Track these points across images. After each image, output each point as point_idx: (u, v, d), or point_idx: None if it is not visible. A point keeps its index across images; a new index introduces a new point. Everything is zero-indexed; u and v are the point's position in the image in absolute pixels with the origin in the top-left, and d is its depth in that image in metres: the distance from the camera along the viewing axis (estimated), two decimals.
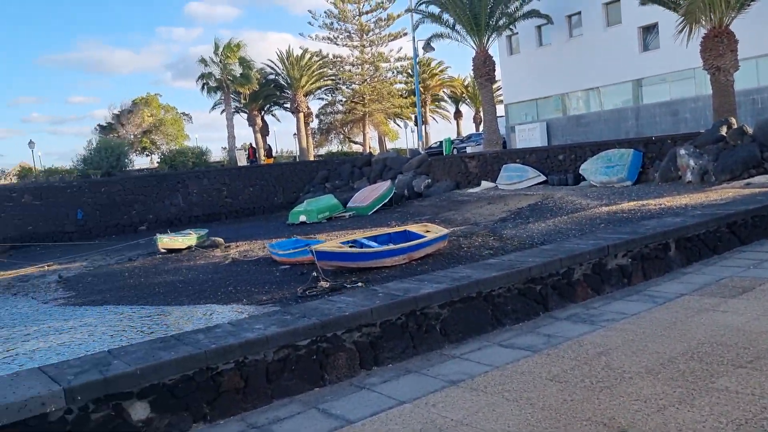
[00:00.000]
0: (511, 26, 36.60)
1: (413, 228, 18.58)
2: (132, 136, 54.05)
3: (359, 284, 15.01)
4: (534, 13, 35.19)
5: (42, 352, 12.46)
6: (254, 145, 50.34)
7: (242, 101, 52.86)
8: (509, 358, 5.95)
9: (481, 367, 5.77)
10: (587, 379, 5.17)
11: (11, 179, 46.61)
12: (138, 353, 5.13)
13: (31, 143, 53.22)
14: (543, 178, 26.95)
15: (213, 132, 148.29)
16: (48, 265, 25.55)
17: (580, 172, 25.36)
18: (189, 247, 24.26)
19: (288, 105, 54.55)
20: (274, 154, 55.16)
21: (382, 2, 51.51)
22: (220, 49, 47.59)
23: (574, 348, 6.04)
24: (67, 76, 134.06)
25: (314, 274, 15.63)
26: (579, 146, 27.49)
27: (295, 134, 54.57)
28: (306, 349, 5.64)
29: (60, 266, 25.21)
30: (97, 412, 4.56)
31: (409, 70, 55.07)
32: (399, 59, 54.62)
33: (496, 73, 36.99)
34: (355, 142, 60.86)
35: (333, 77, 54.81)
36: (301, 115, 52.17)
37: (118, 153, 41.72)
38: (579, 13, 37.33)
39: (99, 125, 57.23)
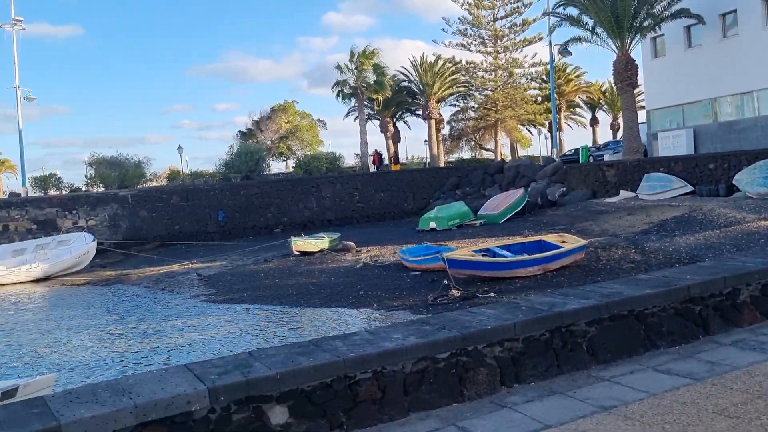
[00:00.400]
0: (656, 27, 34.59)
1: (548, 238, 17.90)
2: (270, 142, 56.33)
3: (492, 294, 14.62)
4: (683, 13, 33.03)
5: (187, 347, 13.08)
6: (380, 152, 50.98)
7: (375, 108, 53.65)
8: (667, 385, 5.40)
9: (636, 393, 5.27)
10: (764, 417, 4.56)
11: (162, 181, 49.96)
12: (278, 357, 5.09)
13: (179, 148, 56.98)
14: (690, 188, 25.20)
15: (346, 138, 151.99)
16: (192, 263, 27.03)
17: (734, 182, 23.45)
18: (321, 250, 24.79)
19: (420, 112, 54.77)
20: (403, 160, 55.65)
21: (518, 7, 50.53)
22: (355, 57, 48.58)
23: (744, 379, 5.39)
24: (214, 84, 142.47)
25: (445, 281, 15.41)
26: (733, 155, 25.46)
27: (425, 141, 54.71)
28: (445, 362, 5.39)
29: (202, 264, 26.59)
30: (239, 414, 4.55)
31: (544, 76, 53.60)
32: (533, 65, 53.35)
33: (638, 77, 35.12)
34: (486, 149, 60.08)
35: (465, 83, 54.40)
36: (433, 121, 52.21)
37: (257, 157, 43.56)
38: (734, 11, 34.60)
39: (240, 131, 60.28)
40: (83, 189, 44.64)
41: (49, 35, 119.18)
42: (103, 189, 41.60)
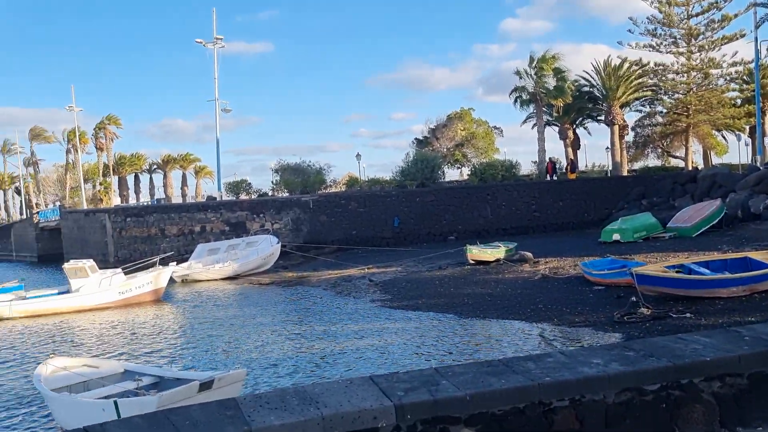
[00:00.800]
0: None
1: (755, 255, 16.00)
2: (445, 149, 56.59)
3: (687, 315, 13.33)
4: None
5: (365, 352, 13.20)
6: (555, 159, 49.18)
7: (554, 114, 51.93)
8: None
9: None
10: None
11: (341, 187, 51.96)
12: (466, 375, 4.76)
13: (358, 156, 59.26)
14: None
15: (521, 145, 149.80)
16: (368, 268, 27.64)
17: None
18: (497, 260, 24.21)
19: (602, 117, 52.18)
20: (582, 168, 53.30)
21: (716, 2, 46.38)
22: (535, 62, 47.36)
23: None
24: (391, 94, 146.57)
25: (633, 299, 14.30)
26: None
27: (607, 148, 51.99)
28: (654, 395, 4.76)
29: (378, 270, 27.08)
30: None
31: (745, 77, 48.74)
32: (733, 64, 48.63)
33: None
34: (675, 156, 55.79)
35: (653, 87, 50.94)
36: (616, 127, 49.43)
37: (433, 165, 43.83)
38: None
39: (416, 139, 61.17)
40: (270, 194, 47.68)
41: (244, 52, 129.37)
42: (287, 194, 44.10)
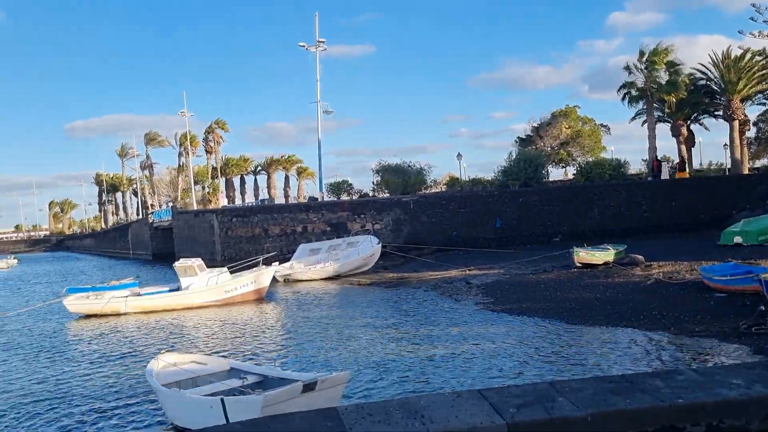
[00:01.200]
0: None
1: None
2: (549, 148, 55.05)
3: None
4: None
5: (470, 357, 12.78)
6: (663, 158, 46.61)
7: (666, 110, 49.34)
8: None
9: None
10: None
11: (441, 188, 51.63)
12: (585, 392, 4.34)
13: (458, 155, 58.51)
14: None
15: (629, 143, 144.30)
16: (468, 270, 27.15)
17: None
18: (606, 263, 23.11)
19: (719, 113, 49.07)
20: (697, 166, 50.32)
21: None
22: (645, 56, 45.12)
23: None
24: (491, 94, 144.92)
25: (762, 307, 13.18)
26: None
27: (726, 145, 48.84)
28: None
29: (479, 271, 26.53)
30: None
31: None
32: None
33: None
34: None
35: None
36: (736, 123, 46.30)
37: (536, 164, 42.69)
38: None
39: (518, 138, 59.85)
40: (370, 194, 48.01)
41: (346, 54, 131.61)
42: (387, 195, 44.22)
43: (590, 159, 50.52)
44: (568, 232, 36.02)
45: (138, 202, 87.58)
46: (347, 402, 9.64)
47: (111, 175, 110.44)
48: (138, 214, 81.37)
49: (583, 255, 23.78)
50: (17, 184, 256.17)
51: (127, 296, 24.05)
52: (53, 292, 30.96)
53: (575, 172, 48.24)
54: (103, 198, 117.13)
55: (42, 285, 42.18)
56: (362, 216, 37.58)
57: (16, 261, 77.16)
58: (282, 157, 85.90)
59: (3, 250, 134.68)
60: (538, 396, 4.29)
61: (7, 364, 16.21)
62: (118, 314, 23.24)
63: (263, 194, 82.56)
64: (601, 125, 58.69)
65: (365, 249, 31.46)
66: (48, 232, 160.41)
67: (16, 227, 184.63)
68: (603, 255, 23.64)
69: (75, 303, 23.89)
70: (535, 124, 57.66)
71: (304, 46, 47.00)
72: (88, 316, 23.43)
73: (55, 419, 11.00)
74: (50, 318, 24.10)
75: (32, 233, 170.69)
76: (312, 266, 30.62)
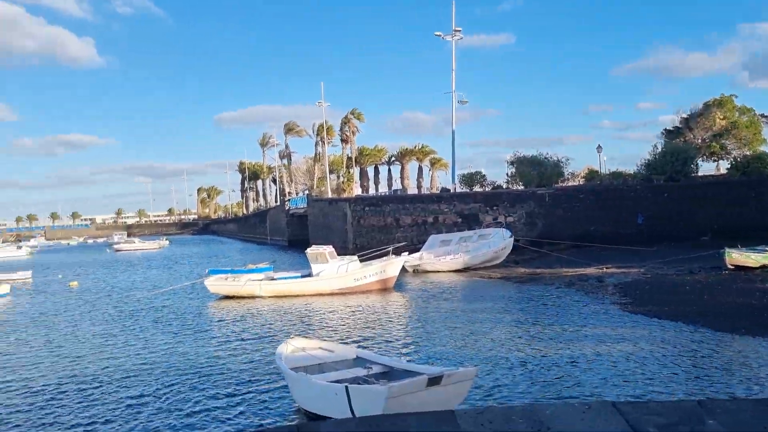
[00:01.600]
0: None
1: None
2: (700, 141, 51.26)
3: None
4: None
5: (603, 362, 12.00)
6: None
7: None
8: None
9: None
10: None
11: (579, 181, 49.59)
12: (741, 415, 3.79)
13: (598, 148, 55.90)
14: None
15: None
16: (606, 268, 25.81)
17: None
18: (764, 267, 21.09)
19: None
20: None
21: None
22: None
23: None
24: (637, 83, 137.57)
25: None
26: None
27: None
28: None
29: (617, 270, 25.19)
30: None
31: None
32: None
33: None
34: None
35: None
36: None
37: (684, 158, 39.86)
38: None
39: (665, 129, 56.14)
40: (504, 186, 46.97)
41: (484, 44, 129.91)
42: (522, 187, 43.06)
43: (748, 152, 46.45)
44: (718, 230, 33.39)
45: (276, 190, 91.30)
46: (468, 401, 9.31)
47: (253, 164, 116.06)
48: (276, 201, 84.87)
49: (737, 256, 21.86)
50: (172, 171, 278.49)
51: (261, 280, 25.04)
52: (197, 273, 32.90)
53: (728, 166, 44.58)
54: (245, 185, 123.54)
55: (188, 266, 45.10)
56: (495, 208, 36.86)
57: (167, 242, 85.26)
58: (415, 147, 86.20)
59: (157, 231, 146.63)
60: (684, 415, 3.78)
61: (156, 338, 17.35)
62: (253, 296, 24.23)
63: (396, 184, 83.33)
64: (762, 116, 53.65)
65: (496, 242, 30.80)
66: (196, 216, 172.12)
67: (169, 211, 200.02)
68: (761, 257, 21.59)
69: (215, 284, 25.24)
70: (685, 115, 53.85)
71: (440, 35, 46.66)
72: (226, 297, 24.64)
73: (196, 390, 11.60)
74: (194, 297, 25.62)
75: (182, 216, 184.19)
76: (441, 257, 30.40)
